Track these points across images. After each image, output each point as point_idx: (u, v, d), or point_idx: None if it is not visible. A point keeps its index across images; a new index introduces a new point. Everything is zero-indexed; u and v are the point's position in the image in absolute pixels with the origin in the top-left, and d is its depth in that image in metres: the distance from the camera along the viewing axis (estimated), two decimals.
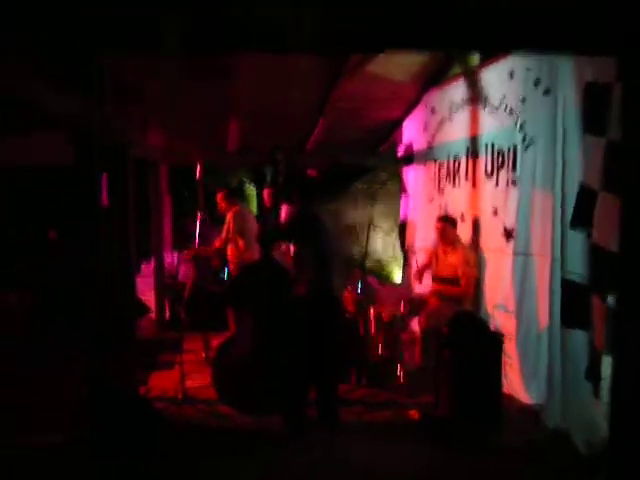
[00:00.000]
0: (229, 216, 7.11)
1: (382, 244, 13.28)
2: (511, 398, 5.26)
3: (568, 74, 4.47)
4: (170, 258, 8.89)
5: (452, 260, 6.05)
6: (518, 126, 5.29)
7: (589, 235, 4.26)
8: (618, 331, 3.60)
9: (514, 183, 5.38)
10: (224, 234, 7.09)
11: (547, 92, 4.80)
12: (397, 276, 12.88)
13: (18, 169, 6.19)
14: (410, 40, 3.36)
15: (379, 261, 13.21)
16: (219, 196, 7.30)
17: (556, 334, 4.69)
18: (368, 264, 9.89)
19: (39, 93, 3.59)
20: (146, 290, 8.18)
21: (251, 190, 12.88)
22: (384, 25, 3.19)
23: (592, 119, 4.19)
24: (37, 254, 7.69)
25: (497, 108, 5.70)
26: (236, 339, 5.17)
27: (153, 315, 8.29)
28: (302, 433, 4.73)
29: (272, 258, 5.14)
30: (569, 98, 4.49)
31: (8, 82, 3.17)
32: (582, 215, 4.34)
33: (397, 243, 12.55)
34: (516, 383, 5.32)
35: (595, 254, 4.18)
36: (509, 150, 5.48)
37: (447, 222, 6.17)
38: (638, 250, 3.45)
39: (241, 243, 6.95)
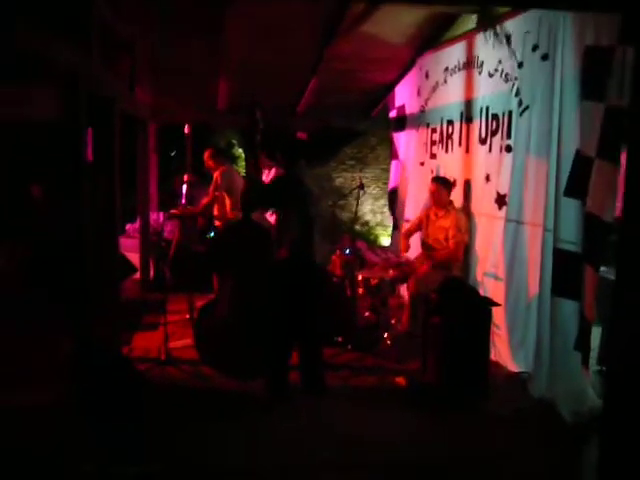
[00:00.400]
0: (216, 175, 7.02)
1: (371, 209, 13.24)
2: (498, 366, 5.26)
3: (568, 38, 4.37)
4: (156, 217, 8.78)
5: (444, 223, 5.99)
6: (514, 91, 5.19)
7: (583, 204, 4.21)
8: (616, 300, 3.55)
9: (508, 149, 5.29)
10: (211, 193, 7.00)
11: (545, 57, 4.69)
12: (385, 240, 12.87)
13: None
14: None
15: (368, 225, 13.18)
16: (206, 154, 7.22)
17: (546, 303, 4.67)
18: (357, 228, 9.85)
19: (29, 37, 3.43)
20: (131, 250, 8.07)
21: (239, 152, 12.73)
22: None
23: (591, 84, 4.11)
24: (24, 210, 7.57)
25: (493, 73, 5.59)
26: (218, 301, 5.09)
27: (138, 275, 8.18)
28: (285, 398, 4.69)
29: (252, 220, 5.05)
30: (568, 63, 4.39)
31: None
32: (577, 183, 4.28)
33: (386, 208, 12.54)
34: (504, 351, 5.31)
35: (589, 223, 4.14)
36: (504, 115, 5.39)
37: (441, 183, 6.10)
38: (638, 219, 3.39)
39: (228, 202, 6.89)
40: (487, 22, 3.26)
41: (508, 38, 4.14)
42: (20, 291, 6.20)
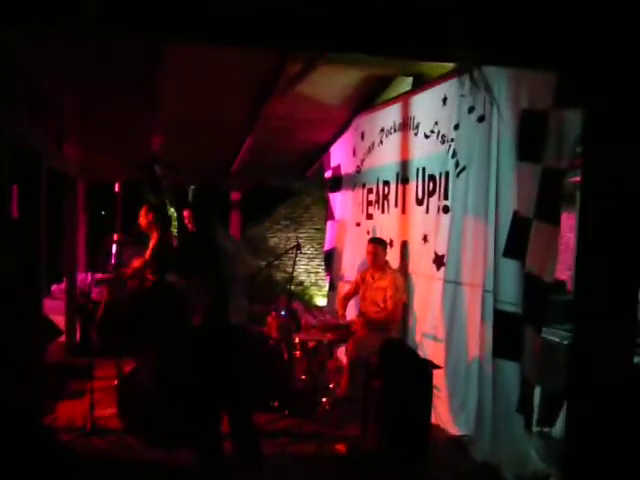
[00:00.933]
0: (153, 240, 6.72)
1: (305, 269, 13.17)
2: (439, 429, 5.15)
3: (503, 101, 4.43)
4: (84, 278, 8.43)
5: (381, 284, 5.93)
6: (451, 152, 5.24)
7: (523, 264, 4.21)
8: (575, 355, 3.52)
9: (445, 210, 5.31)
10: (147, 256, 6.71)
11: (481, 119, 4.76)
12: (320, 301, 12.77)
13: None
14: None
15: (302, 285, 13.07)
16: (141, 213, 6.93)
17: (486, 365, 4.60)
18: (292, 288, 9.71)
19: None
20: (57, 312, 7.69)
21: (172, 212, 12.50)
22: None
23: (528, 146, 4.16)
24: None
25: (429, 134, 5.65)
26: (139, 368, 4.84)
27: (63, 338, 7.78)
28: (217, 469, 4.41)
29: (166, 283, 4.84)
30: (504, 125, 4.45)
31: None
32: (515, 244, 4.29)
33: (321, 268, 12.48)
34: (444, 414, 5.20)
35: (529, 284, 4.13)
36: (441, 176, 5.42)
37: (378, 244, 6.06)
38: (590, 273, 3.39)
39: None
40: (464, 67, 3.24)
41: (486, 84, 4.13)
42: None
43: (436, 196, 5.49)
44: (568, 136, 3.80)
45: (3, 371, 4.23)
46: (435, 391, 5.06)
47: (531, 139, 4.10)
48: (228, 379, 4.52)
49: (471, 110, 4.90)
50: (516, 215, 4.28)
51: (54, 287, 8.52)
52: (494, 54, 3.42)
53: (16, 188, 4.95)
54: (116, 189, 9.51)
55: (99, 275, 7.38)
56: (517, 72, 4.27)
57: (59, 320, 7.71)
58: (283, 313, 6.56)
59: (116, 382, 6.19)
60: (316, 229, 13.31)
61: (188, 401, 4.48)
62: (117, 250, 7.40)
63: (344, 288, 6.78)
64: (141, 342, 4.82)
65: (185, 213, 5.03)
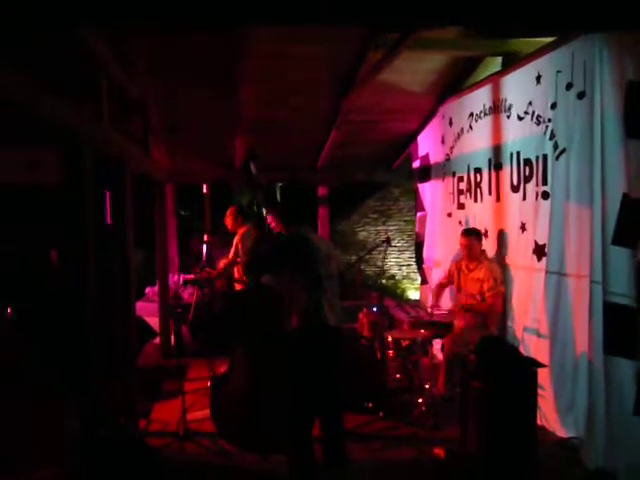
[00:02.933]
0: (237, 237, 6.74)
1: (396, 262, 12.90)
2: (544, 431, 4.81)
3: (606, 74, 4.05)
4: (176, 280, 8.53)
5: (477, 275, 5.66)
6: (548, 134, 4.87)
7: (635, 252, 3.83)
8: None
9: (544, 196, 4.95)
10: (231, 255, 6.71)
11: (581, 95, 4.38)
12: (411, 294, 12.49)
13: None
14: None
15: (394, 279, 12.82)
16: (227, 214, 6.95)
17: (597, 362, 4.22)
18: (383, 282, 9.49)
19: (33, 96, 3.20)
20: (151, 314, 7.80)
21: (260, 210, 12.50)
22: None
23: (636, 121, 3.78)
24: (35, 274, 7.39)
25: (523, 116, 5.29)
26: (232, 372, 4.73)
27: (157, 340, 7.88)
28: (308, 474, 4.24)
29: (261, 286, 4.70)
30: (608, 100, 4.06)
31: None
32: (627, 230, 3.92)
33: (413, 261, 12.20)
34: (550, 415, 4.87)
35: None
36: (537, 160, 5.06)
37: (473, 236, 5.79)
38: None
39: None
40: None
41: None
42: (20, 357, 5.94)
43: (533, 181, 5.13)
44: None
45: (99, 375, 4.24)
46: (539, 391, 4.73)
47: None
48: (325, 383, 4.35)
49: (569, 87, 4.52)
50: (626, 198, 3.91)
51: (148, 289, 8.65)
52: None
53: (108, 195, 4.99)
54: (204, 190, 9.59)
55: (189, 276, 7.43)
56: (621, 40, 3.90)
57: (153, 322, 7.83)
58: (375, 309, 6.36)
59: (209, 383, 6.19)
60: (405, 221, 13.04)
61: (282, 408, 4.33)
62: (207, 251, 7.43)
63: (437, 279, 6.50)
64: (236, 344, 4.71)
65: (269, 219, 4.88)
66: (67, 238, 4.22)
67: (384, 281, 12.05)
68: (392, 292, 12.30)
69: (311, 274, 4.21)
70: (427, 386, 5.45)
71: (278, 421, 4.40)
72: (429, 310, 5.91)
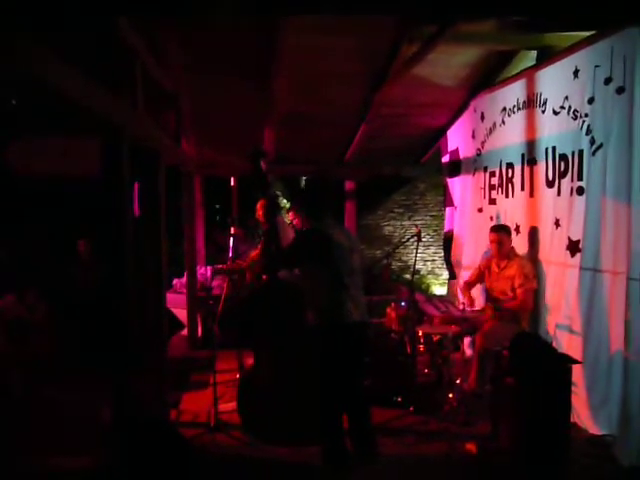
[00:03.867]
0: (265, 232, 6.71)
1: (421, 257, 12.85)
2: (577, 428, 4.77)
3: None
4: (204, 272, 8.56)
5: (508, 273, 5.62)
6: (585, 129, 4.81)
7: None
8: None
9: (580, 191, 4.90)
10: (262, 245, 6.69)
11: (621, 90, 4.32)
12: (436, 290, 12.45)
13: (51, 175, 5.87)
14: None
15: (419, 274, 12.78)
16: (259, 205, 6.90)
17: (634, 359, 4.18)
18: (409, 277, 9.44)
19: (72, 84, 3.22)
20: (179, 306, 7.84)
21: (284, 203, 12.56)
22: None
23: None
24: (63, 263, 7.49)
25: (559, 110, 5.23)
26: (257, 367, 4.76)
27: (185, 332, 7.92)
28: (343, 465, 4.26)
29: (279, 281, 4.71)
30: None
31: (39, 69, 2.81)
32: None
33: (438, 256, 12.18)
34: (582, 412, 4.83)
35: None
36: (573, 155, 5.00)
37: (503, 232, 5.74)
38: None
39: None
40: None
41: None
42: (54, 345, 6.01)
43: (568, 177, 5.08)
44: None
45: (128, 366, 4.27)
46: (572, 387, 4.70)
47: None
48: (351, 377, 4.35)
49: (608, 81, 4.47)
50: None
51: (175, 281, 8.70)
52: None
53: (137, 186, 5.01)
54: (232, 183, 9.60)
55: (218, 266, 7.42)
56: None
57: (181, 314, 7.86)
58: (403, 304, 6.34)
59: (238, 375, 6.22)
60: (432, 216, 12.99)
61: (309, 402, 4.35)
62: (234, 244, 7.43)
63: (466, 275, 6.46)
64: (261, 338, 4.73)
65: (290, 215, 4.87)
66: (105, 229, 4.24)
67: (408, 276, 12.02)
68: (417, 287, 12.27)
69: (332, 271, 4.18)
70: (458, 382, 5.44)
71: (305, 414, 4.43)
72: (460, 307, 5.88)
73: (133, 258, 4.03)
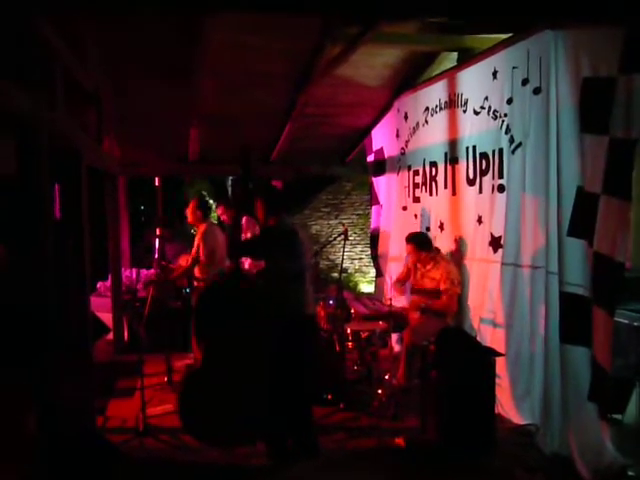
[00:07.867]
0: (199, 236, 6.56)
1: (349, 255, 12.96)
2: (501, 418, 4.92)
3: (561, 70, 4.17)
4: (129, 274, 8.38)
5: (433, 275, 5.73)
6: (504, 128, 4.97)
7: (589, 244, 3.94)
8: None
9: (500, 189, 5.06)
10: (193, 253, 6.57)
11: (537, 91, 4.49)
12: (364, 288, 12.58)
13: None
14: None
15: (346, 272, 12.87)
16: (189, 207, 6.77)
17: (553, 351, 4.35)
18: (336, 276, 9.51)
19: None
20: (103, 309, 7.65)
21: (210, 203, 12.43)
22: None
23: (592, 117, 3.89)
24: None
25: (479, 110, 5.38)
26: (206, 366, 4.67)
27: (111, 336, 7.74)
28: (286, 464, 4.27)
29: (241, 273, 4.70)
30: (563, 96, 4.17)
31: None
32: (581, 222, 4.02)
33: (365, 254, 12.30)
34: (506, 403, 4.98)
35: (599, 264, 3.86)
36: (494, 154, 5.16)
37: (413, 242, 5.87)
38: None
39: (212, 264, 6.42)
40: None
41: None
42: None
43: (489, 175, 5.23)
44: (638, 103, 3.51)
45: (52, 371, 4.14)
46: (496, 379, 4.84)
47: (595, 109, 3.82)
48: (298, 377, 4.40)
49: (525, 82, 4.63)
50: (580, 191, 4.01)
51: (99, 284, 8.48)
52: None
53: (58, 187, 4.86)
54: (156, 183, 9.44)
55: (144, 271, 7.28)
56: (576, 38, 4.01)
57: (106, 317, 7.67)
58: (331, 302, 6.39)
59: (166, 378, 6.12)
60: (358, 215, 13.10)
61: (257, 400, 4.34)
62: (160, 245, 7.31)
63: (395, 272, 6.55)
64: (210, 337, 4.62)
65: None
66: (21, 233, 4.09)
67: (336, 274, 12.11)
68: (345, 285, 12.36)
69: (296, 266, 4.35)
70: (386, 377, 5.53)
71: (248, 412, 4.39)
72: (387, 302, 5.96)
73: (53, 261, 3.91)
